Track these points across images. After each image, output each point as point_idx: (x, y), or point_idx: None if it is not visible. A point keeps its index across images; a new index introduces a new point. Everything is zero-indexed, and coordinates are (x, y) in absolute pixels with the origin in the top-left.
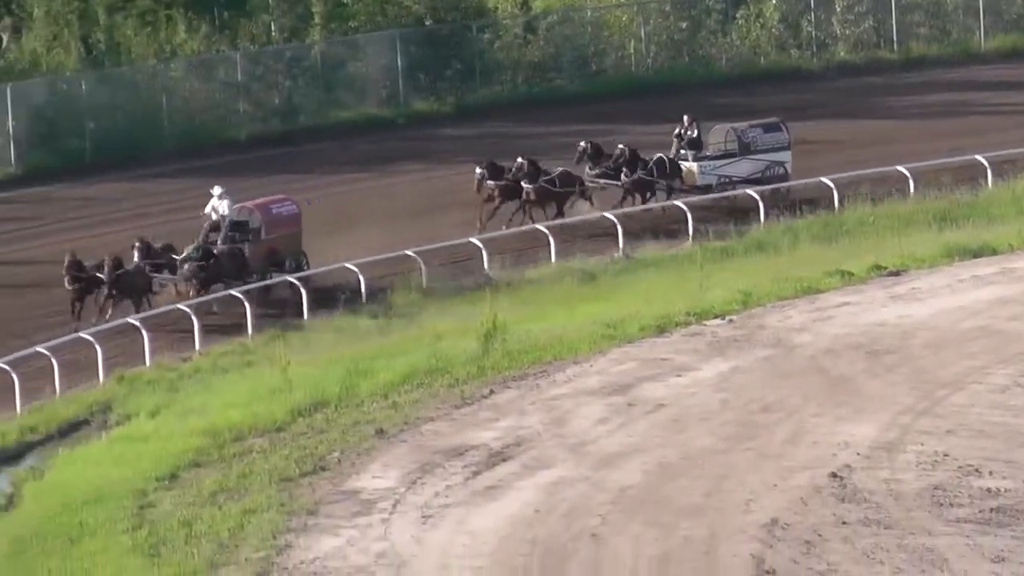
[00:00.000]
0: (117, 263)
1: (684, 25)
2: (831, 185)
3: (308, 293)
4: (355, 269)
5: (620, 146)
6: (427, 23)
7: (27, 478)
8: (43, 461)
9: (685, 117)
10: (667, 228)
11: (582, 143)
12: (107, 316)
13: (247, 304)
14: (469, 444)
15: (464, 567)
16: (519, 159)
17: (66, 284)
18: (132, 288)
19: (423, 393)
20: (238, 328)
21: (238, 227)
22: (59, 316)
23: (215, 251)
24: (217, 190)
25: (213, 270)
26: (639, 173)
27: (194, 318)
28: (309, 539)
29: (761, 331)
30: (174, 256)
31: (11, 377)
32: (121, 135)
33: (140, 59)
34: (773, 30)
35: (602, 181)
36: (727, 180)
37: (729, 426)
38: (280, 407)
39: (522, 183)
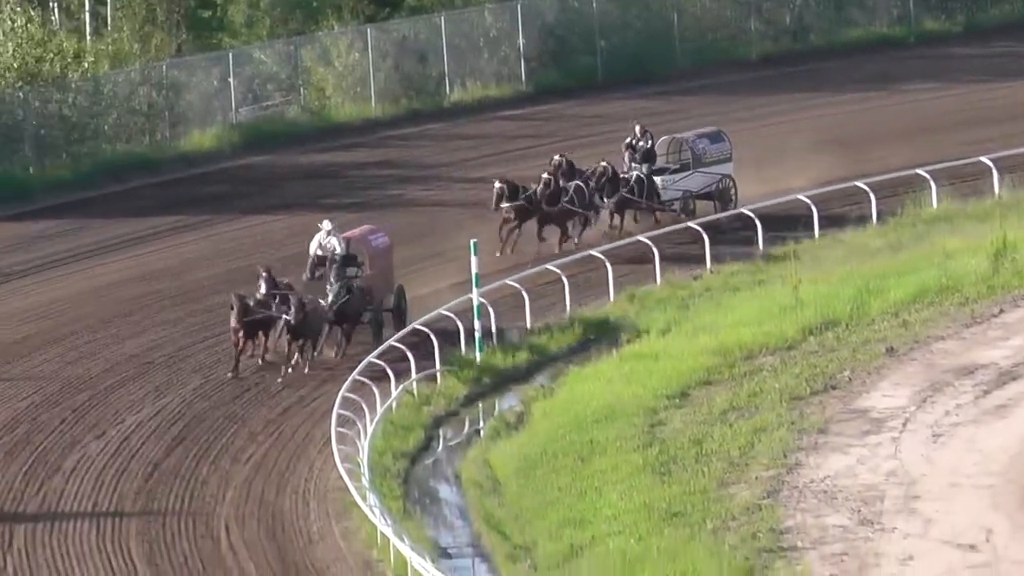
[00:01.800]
0: (301, 304)
1: None
2: None
3: (819, 213)
4: (866, 188)
5: (603, 163)
6: None
7: (537, 396)
8: (553, 379)
9: (636, 127)
10: None
11: (556, 156)
12: (293, 361)
13: (758, 223)
14: (979, 363)
15: (974, 486)
16: (544, 175)
17: (232, 325)
18: (311, 330)
19: (933, 311)
20: (748, 246)
21: (349, 261)
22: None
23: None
24: (327, 224)
25: (353, 306)
26: (622, 192)
27: (705, 236)
28: (819, 457)
29: None
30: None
31: (522, 296)
32: (631, 54)
33: None
34: None
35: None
36: (689, 195)
37: None
38: (791, 325)
39: (543, 204)
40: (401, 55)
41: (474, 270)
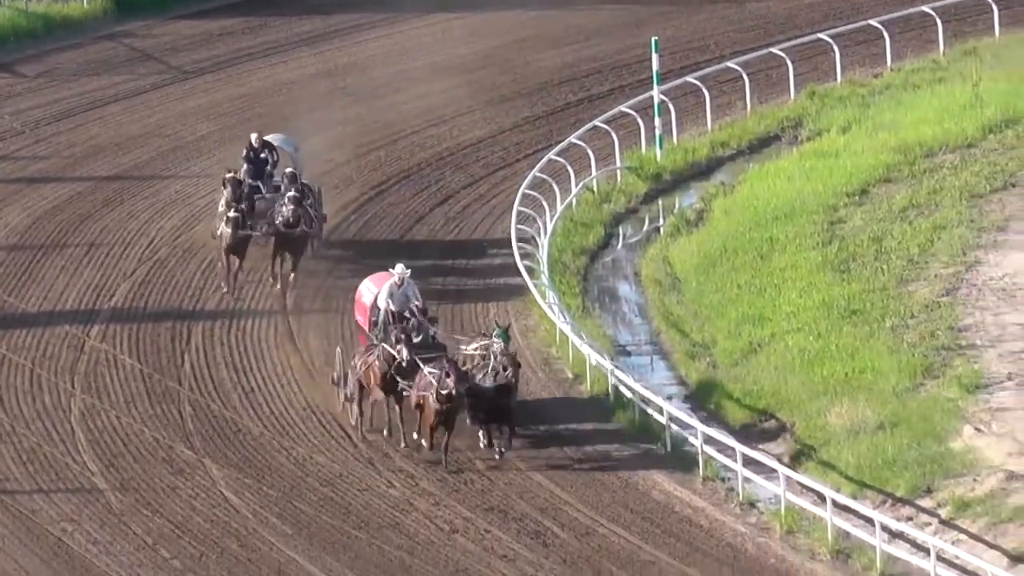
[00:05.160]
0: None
1: None
2: None
3: (999, 11)
4: None
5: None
6: None
7: (717, 194)
8: (733, 177)
9: (253, 136)
10: None
11: (230, 174)
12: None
13: (938, 21)
14: None
15: None
16: (292, 193)
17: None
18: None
19: None
20: (929, 45)
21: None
22: (754, 31)
23: None
24: (400, 269)
25: None
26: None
27: (885, 33)
28: (999, 255)
29: None
30: None
31: (702, 92)
32: None
33: None
34: None
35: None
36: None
37: None
38: (971, 123)
39: None
40: None
41: (655, 67)
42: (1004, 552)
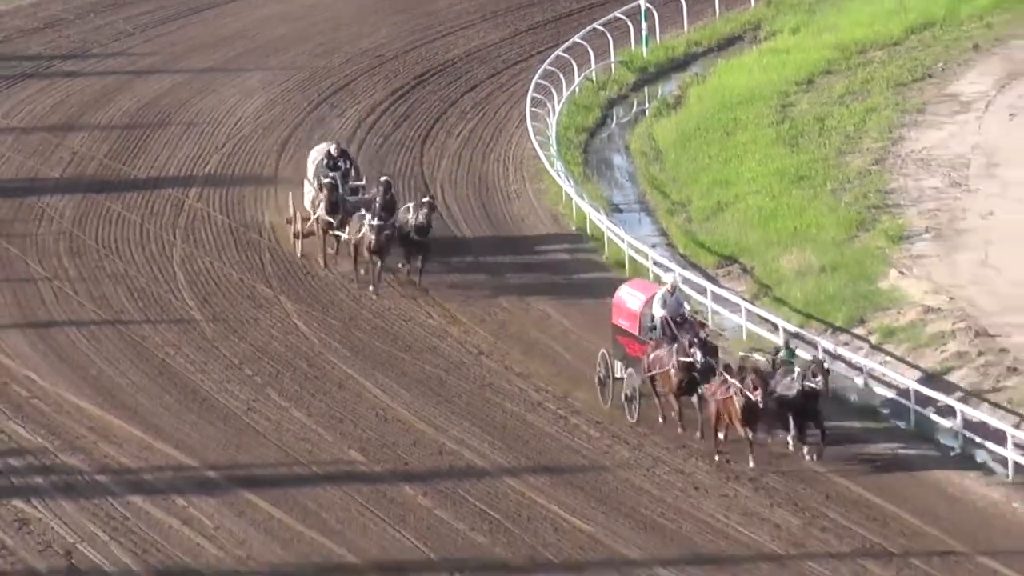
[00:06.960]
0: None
1: None
2: None
3: None
4: None
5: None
6: None
7: (692, 83)
8: (705, 69)
9: (332, 147)
10: None
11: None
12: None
13: None
14: None
15: None
16: (427, 198)
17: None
18: None
19: (1013, 15)
20: None
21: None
22: None
23: None
24: (672, 278)
25: None
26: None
27: None
28: (918, 132)
29: None
30: None
31: (680, 1)
32: None
33: None
34: None
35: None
36: None
37: None
38: (896, 26)
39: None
40: None
41: None
42: (921, 371)
